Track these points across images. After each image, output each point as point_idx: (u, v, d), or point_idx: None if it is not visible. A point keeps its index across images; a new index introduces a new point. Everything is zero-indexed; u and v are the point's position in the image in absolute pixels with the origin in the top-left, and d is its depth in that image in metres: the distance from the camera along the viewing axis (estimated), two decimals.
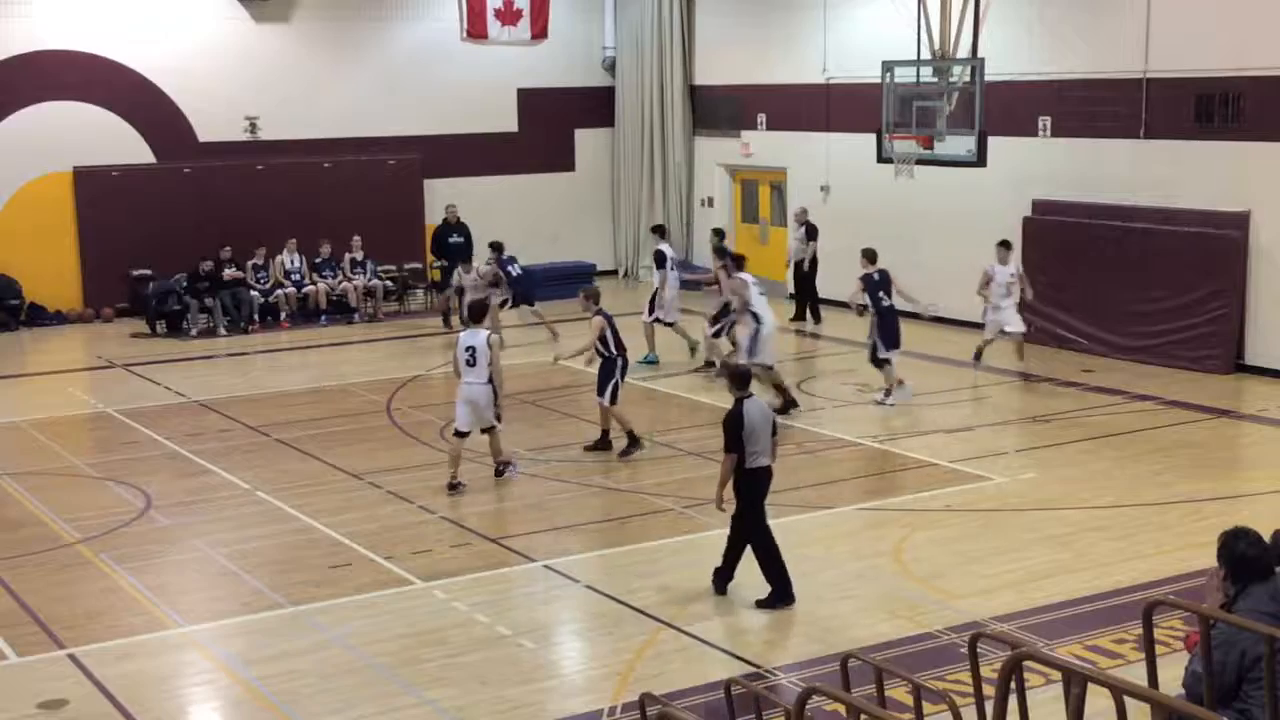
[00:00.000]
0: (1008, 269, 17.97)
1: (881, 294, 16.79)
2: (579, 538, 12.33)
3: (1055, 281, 20.22)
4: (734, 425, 10.39)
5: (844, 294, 22.39)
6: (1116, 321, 19.40)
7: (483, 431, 13.73)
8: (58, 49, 23.16)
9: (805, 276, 22.50)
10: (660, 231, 20.89)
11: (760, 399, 10.75)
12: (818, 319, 22.35)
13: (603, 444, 14.88)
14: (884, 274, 16.94)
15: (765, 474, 10.61)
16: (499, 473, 13.98)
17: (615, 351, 14.60)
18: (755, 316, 16.12)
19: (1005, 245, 18.15)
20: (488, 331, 13.75)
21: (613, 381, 14.54)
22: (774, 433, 10.62)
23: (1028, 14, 20.49)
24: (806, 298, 22.53)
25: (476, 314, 14.31)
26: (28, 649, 10.02)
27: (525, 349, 21.42)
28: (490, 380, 13.45)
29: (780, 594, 10.55)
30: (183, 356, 20.93)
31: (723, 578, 10.78)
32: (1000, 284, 17.89)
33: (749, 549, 10.67)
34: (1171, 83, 18.65)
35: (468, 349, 13.42)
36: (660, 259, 19.73)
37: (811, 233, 22.36)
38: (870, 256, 17.13)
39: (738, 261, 17.55)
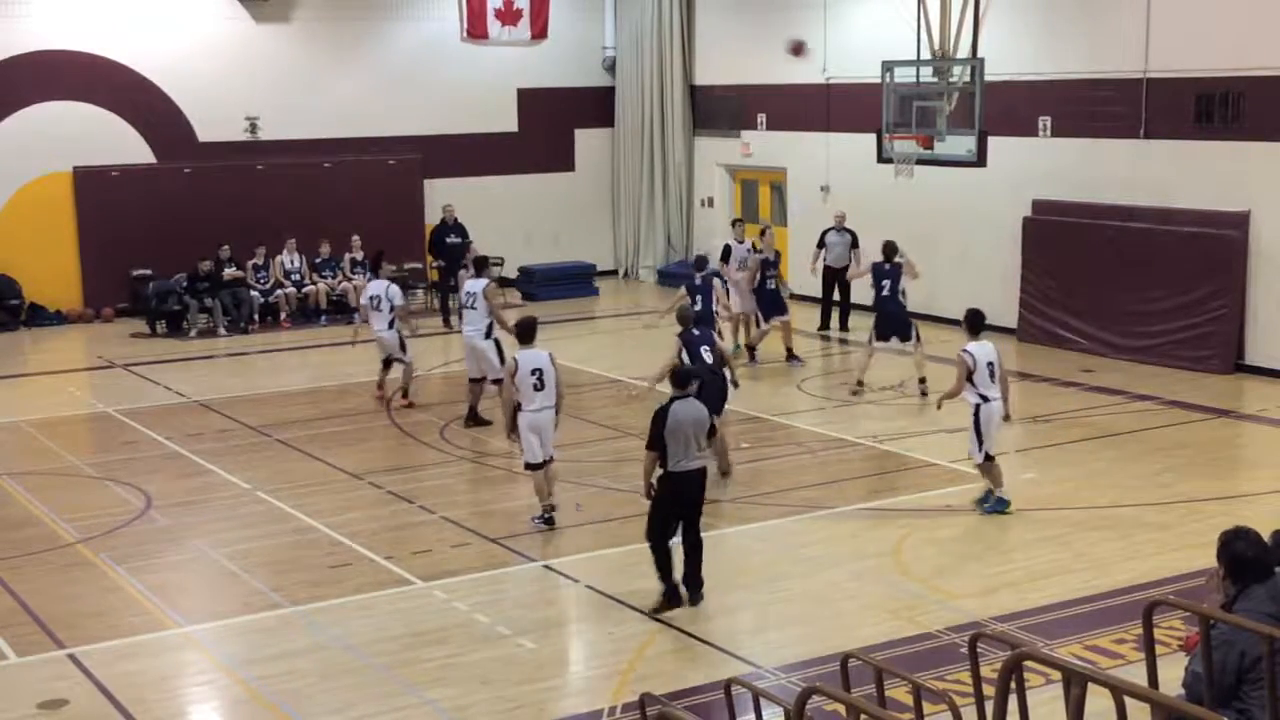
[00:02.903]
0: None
1: (698, 296, 16.83)
2: (579, 538, 12.32)
3: (1055, 282, 20.25)
4: (656, 422, 10.40)
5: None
6: (1116, 321, 19.40)
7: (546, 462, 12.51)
8: (58, 49, 23.15)
9: (845, 283, 21.56)
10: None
11: (696, 402, 10.53)
12: (845, 326, 21.65)
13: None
14: (708, 279, 17.09)
15: (686, 479, 10.37)
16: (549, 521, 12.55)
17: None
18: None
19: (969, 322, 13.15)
20: (548, 351, 12.61)
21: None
22: (710, 436, 10.53)
23: (1028, 14, 20.48)
24: (842, 304, 21.73)
25: (528, 333, 12.72)
26: (28, 649, 10.02)
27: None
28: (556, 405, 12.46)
29: (669, 599, 10.44)
30: (183, 356, 20.93)
31: (691, 584, 10.59)
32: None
33: (694, 545, 10.59)
34: (1171, 83, 18.65)
35: (534, 371, 12.26)
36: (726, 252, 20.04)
37: (855, 238, 21.27)
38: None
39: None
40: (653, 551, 10.47)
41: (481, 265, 16.69)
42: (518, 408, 12.34)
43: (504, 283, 25.60)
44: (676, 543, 10.56)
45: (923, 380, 17.13)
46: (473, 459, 14.97)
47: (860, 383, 17.51)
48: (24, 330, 22.97)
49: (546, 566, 11.62)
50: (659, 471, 10.47)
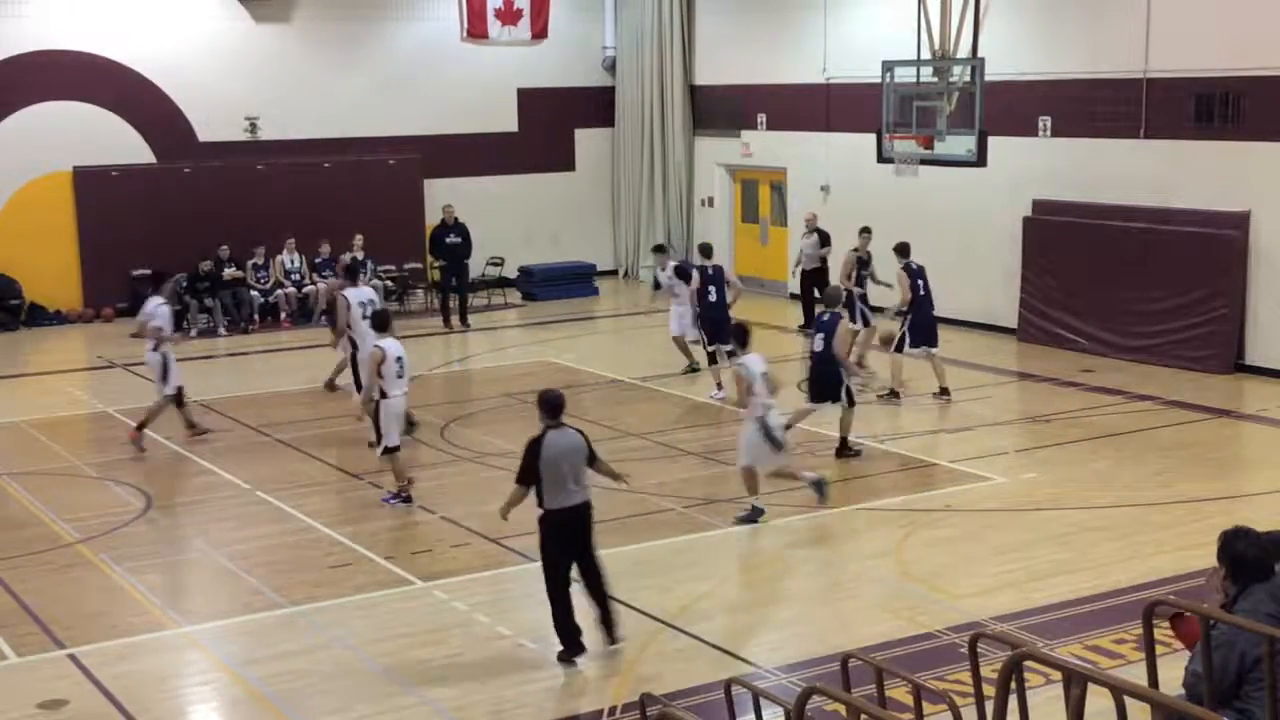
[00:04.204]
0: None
1: (711, 287, 17.60)
2: None
3: (1055, 282, 20.26)
4: (529, 455, 9.48)
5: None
6: (1116, 321, 19.40)
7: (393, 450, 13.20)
8: (58, 49, 23.16)
9: (818, 283, 21.91)
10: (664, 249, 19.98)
11: (571, 431, 9.67)
12: (810, 321, 21.91)
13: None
14: (718, 269, 17.86)
15: (570, 515, 9.56)
16: (407, 499, 13.27)
17: None
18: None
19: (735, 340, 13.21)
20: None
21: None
22: (592, 462, 9.75)
23: (1028, 14, 20.49)
24: (809, 300, 22.12)
25: (384, 323, 13.45)
26: (28, 649, 10.02)
27: (523, 348, 21.45)
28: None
29: (569, 647, 9.69)
30: (183, 356, 20.83)
31: (606, 623, 9.81)
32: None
33: (594, 583, 9.77)
34: (1171, 83, 18.65)
35: (398, 359, 12.98)
36: (686, 274, 18.70)
37: (825, 239, 21.68)
38: (706, 252, 18.42)
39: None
40: (550, 602, 9.66)
41: (356, 272, 16.30)
42: (382, 395, 13.00)
43: (504, 282, 25.68)
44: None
45: (945, 390, 16.99)
46: (473, 459, 14.97)
47: (895, 392, 16.91)
48: (24, 330, 22.98)
49: None
50: (537, 512, 9.66)
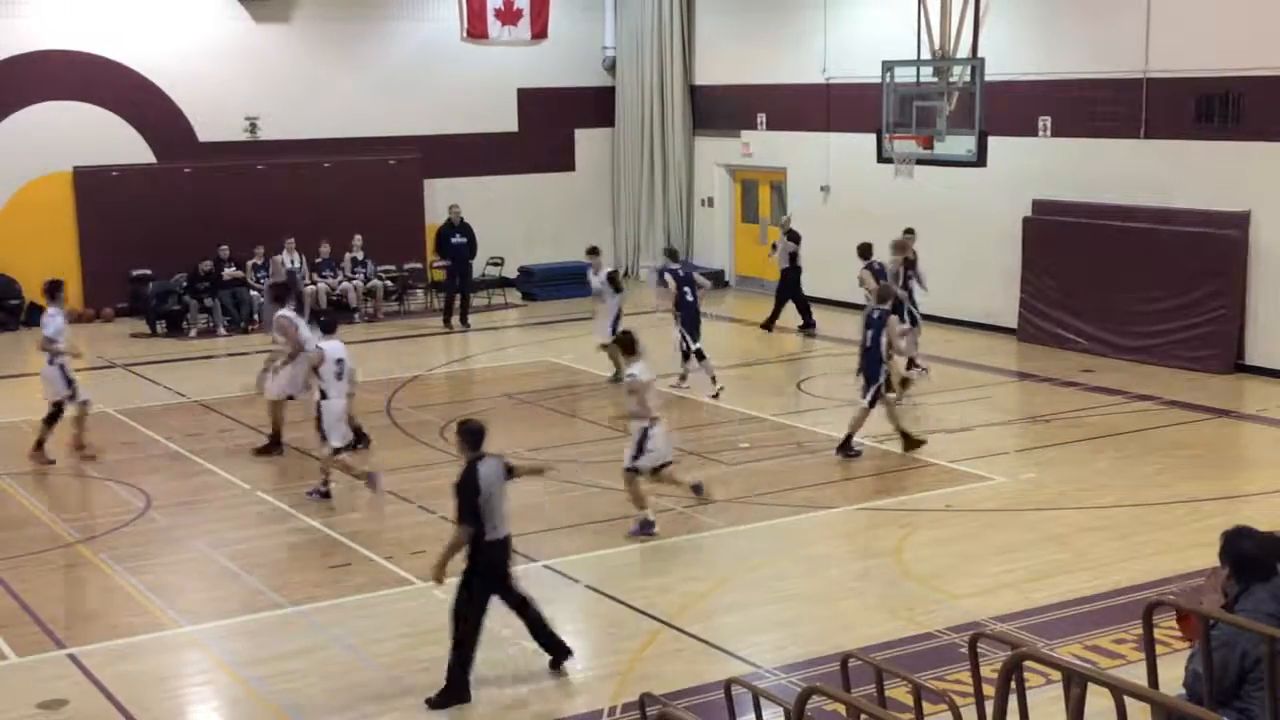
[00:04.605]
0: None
1: (686, 288, 17.62)
2: (579, 538, 12.31)
3: (1055, 282, 20.26)
4: (469, 494, 8.94)
5: (837, 293, 22.50)
6: (1116, 321, 19.40)
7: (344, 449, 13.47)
8: (58, 49, 23.17)
9: (794, 280, 22.06)
10: (674, 255, 19.72)
11: (495, 458, 9.21)
12: (808, 320, 22.00)
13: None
14: (688, 271, 18.09)
15: (503, 547, 9.18)
16: (326, 494, 13.43)
17: None
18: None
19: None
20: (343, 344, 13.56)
21: None
22: (510, 475, 9.27)
23: (1028, 14, 20.49)
24: (795, 300, 22.08)
25: (330, 327, 13.76)
26: (28, 649, 10.02)
27: (523, 348, 21.45)
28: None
29: (455, 695, 9.04)
30: (183, 356, 20.93)
31: (553, 647, 9.47)
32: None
33: (531, 611, 9.38)
34: (1171, 83, 18.65)
35: (338, 361, 13.16)
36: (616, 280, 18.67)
37: (794, 237, 22.09)
38: (673, 255, 18.80)
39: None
40: (459, 645, 9.02)
41: (288, 289, 15.92)
42: (322, 395, 13.16)
43: (504, 282, 25.69)
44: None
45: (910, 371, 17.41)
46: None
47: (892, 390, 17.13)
48: (24, 330, 22.95)
49: (546, 566, 11.61)
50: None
